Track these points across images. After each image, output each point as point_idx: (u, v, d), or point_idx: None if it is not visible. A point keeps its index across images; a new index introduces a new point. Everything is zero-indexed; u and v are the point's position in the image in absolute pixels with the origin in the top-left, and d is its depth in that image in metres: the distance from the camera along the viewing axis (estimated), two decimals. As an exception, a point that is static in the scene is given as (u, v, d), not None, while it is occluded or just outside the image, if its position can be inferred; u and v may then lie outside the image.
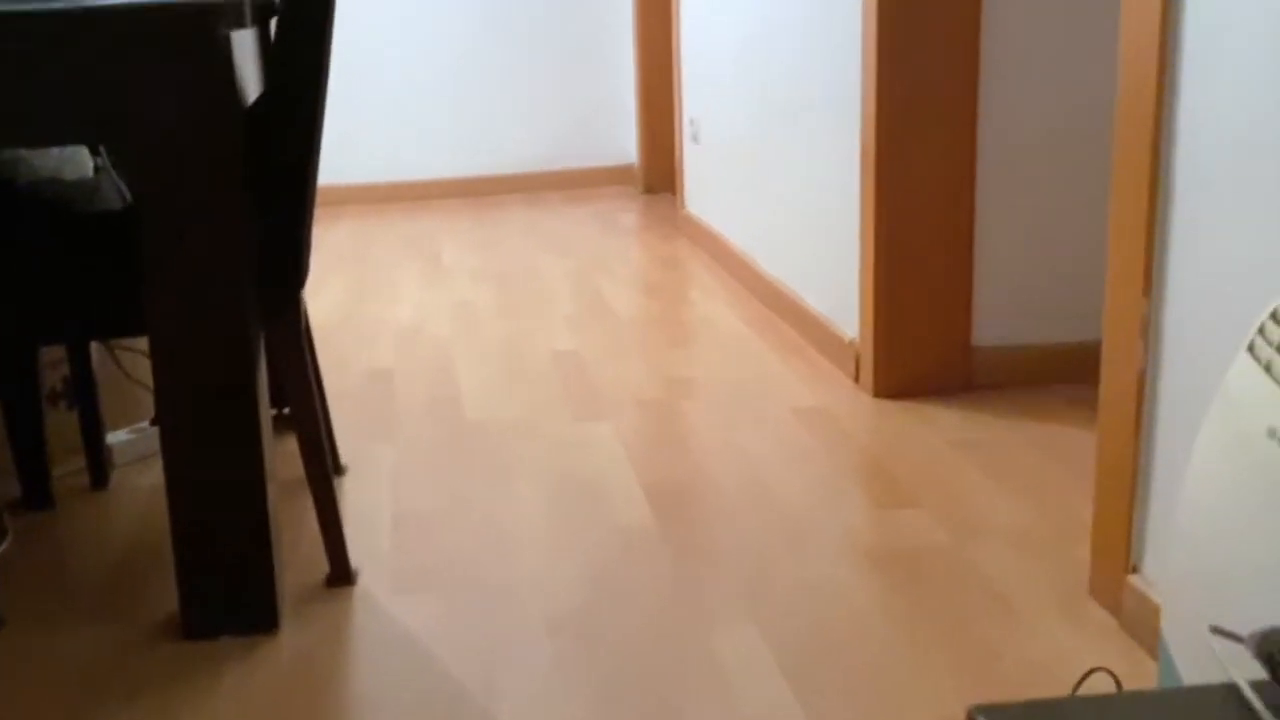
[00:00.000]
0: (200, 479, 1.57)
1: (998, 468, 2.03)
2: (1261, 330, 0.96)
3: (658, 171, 4.76)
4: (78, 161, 1.99)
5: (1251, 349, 0.96)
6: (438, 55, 4.82)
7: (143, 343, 2.25)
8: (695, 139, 3.82)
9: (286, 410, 2.31)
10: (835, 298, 2.60)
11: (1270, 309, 0.96)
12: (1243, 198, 1.26)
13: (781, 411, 2.33)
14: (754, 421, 2.29)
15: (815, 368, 2.59)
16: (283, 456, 2.17)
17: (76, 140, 1.77)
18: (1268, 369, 0.93)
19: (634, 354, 2.74)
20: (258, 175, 1.66)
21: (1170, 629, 1.05)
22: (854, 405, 2.35)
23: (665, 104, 4.63)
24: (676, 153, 4.07)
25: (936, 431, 2.19)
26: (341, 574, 1.74)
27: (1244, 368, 0.96)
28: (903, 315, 2.34)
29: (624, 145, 5.01)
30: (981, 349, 2.38)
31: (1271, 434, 0.88)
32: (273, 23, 1.90)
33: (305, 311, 2.07)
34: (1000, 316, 2.37)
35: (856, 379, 2.46)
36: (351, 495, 2.04)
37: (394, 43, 4.78)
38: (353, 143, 4.84)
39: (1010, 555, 1.73)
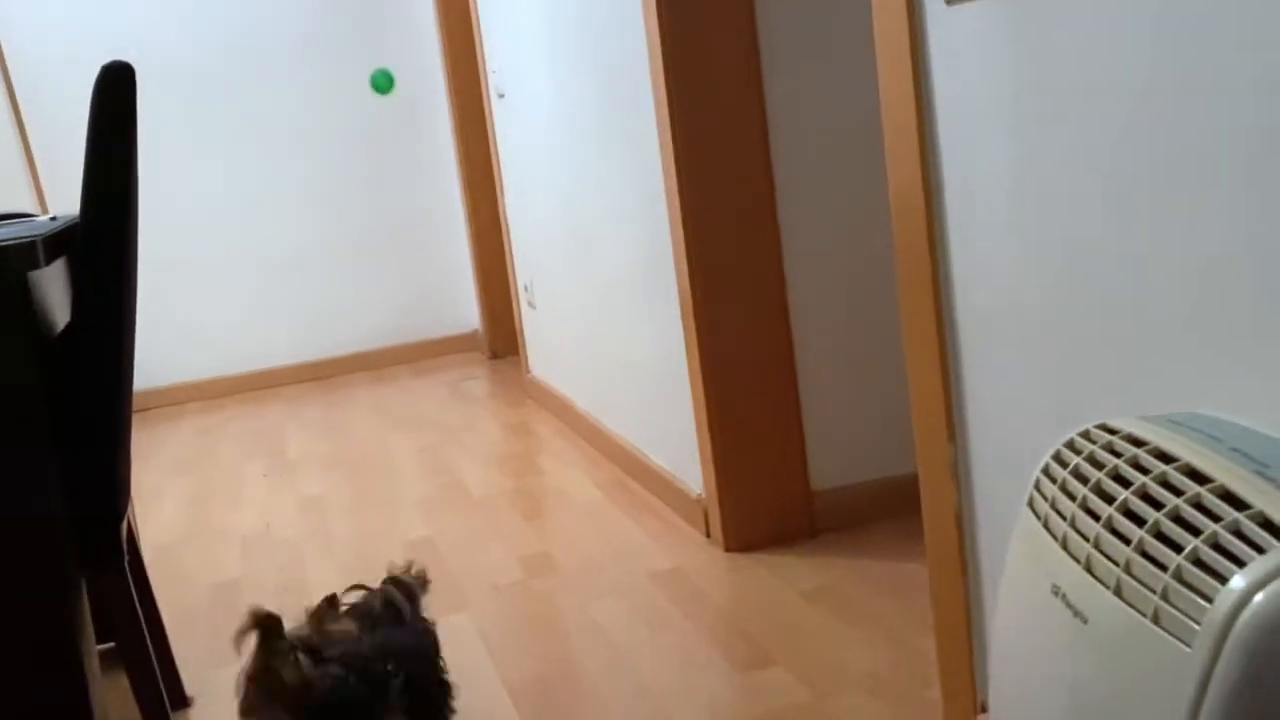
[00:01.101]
0: (23, 742, 1.48)
1: (848, 613, 2.06)
2: (1037, 485, 1.01)
3: (501, 336, 4.80)
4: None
5: (1031, 504, 1.01)
6: (269, 243, 4.81)
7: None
8: (531, 304, 3.88)
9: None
10: (679, 455, 2.64)
11: (1042, 463, 1.02)
12: (1020, 346, 1.34)
13: (638, 578, 2.33)
14: (612, 592, 2.28)
15: (668, 525, 2.60)
16: (118, 693, 2.06)
17: None
18: (1046, 525, 0.97)
19: (489, 534, 2.71)
20: (67, 408, 1.62)
21: (1004, 783, 1.07)
22: (707, 563, 2.36)
23: (500, 270, 4.70)
24: (516, 318, 4.12)
25: (787, 582, 2.22)
26: (187, 821, 1.64)
27: (1026, 523, 1.01)
28: (743, 468, 2.39)
29: (466, 312, 5.05)
30: (820, 493, 2.43)
31: (1055, 590, 0.93)
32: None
33: (134, 534, 2.00)
34: (833, 459, 2.44)
35: (707, 534, 2.49)
36: (197, 729, 1.94)
37: (221, 233, 4.76)
38: (190, 339, 4.75)
39: (868, 705, 1.74)
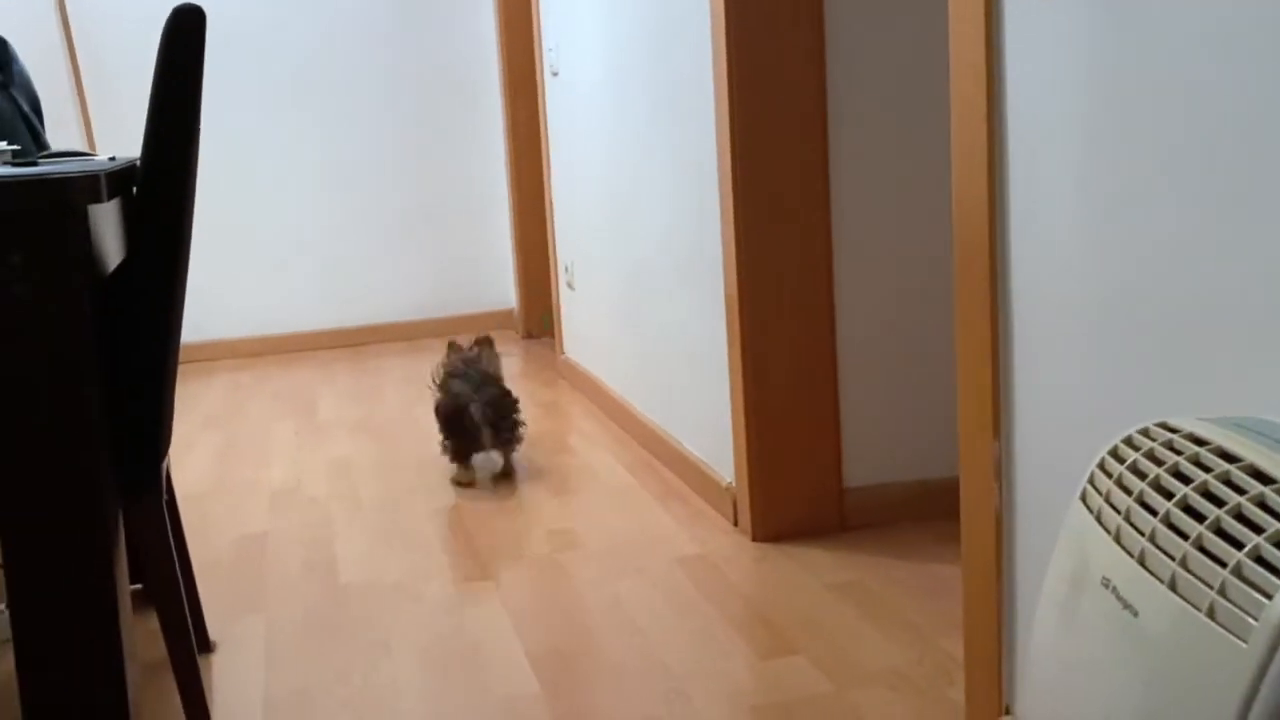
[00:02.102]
0: (55, 662, 1.49)
1: (874, 609, 2.05)
2: (1091, 480, 1.01)
3: (537, 317, 4.81)
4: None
5: (1084, 498, 1.01)
6: (313, 207, 4.84)
7: (-4, 520, 2.15)
8: (570, 285, 3.89)
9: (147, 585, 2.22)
10: (712, 443, 2.64)
11: (1098, 459, 1.01)
12: (1077, 346, 1.33)
13: (664, 562, 2.33)
14: (637, 574, 2.28)
15: (696, 512, 2.60)
16: (145, 634, 2.08)
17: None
18: (1099, 518, 0.97)
19: (515, 508, 2.72)
20: (117, 343, 1.64)
21: (1034, 777, 1.06)
22: (734, 551, 2.36)
23: (541, 250, 4.71)
24: (554, 298, 4.13)
25: (814, 575, 2.22)
26: (206, 761, 1.66)
27: (1078, 517, 1.00)
28: (776, 460, 2.38)
29: (503, 291, 5.06)
30: (853, 490, 2.43)
31: (1105, 583, 0.92)
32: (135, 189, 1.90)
33: (169, 479, 2.02)
34: (869, 457, 2.43)
35: (735, 523, 2.48)
36: (220, 674, 1.96)
37: (269, 195, 4.79)
38: (227, 297, 4.79)
39: (890, 700, 1.74)
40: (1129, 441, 1.00)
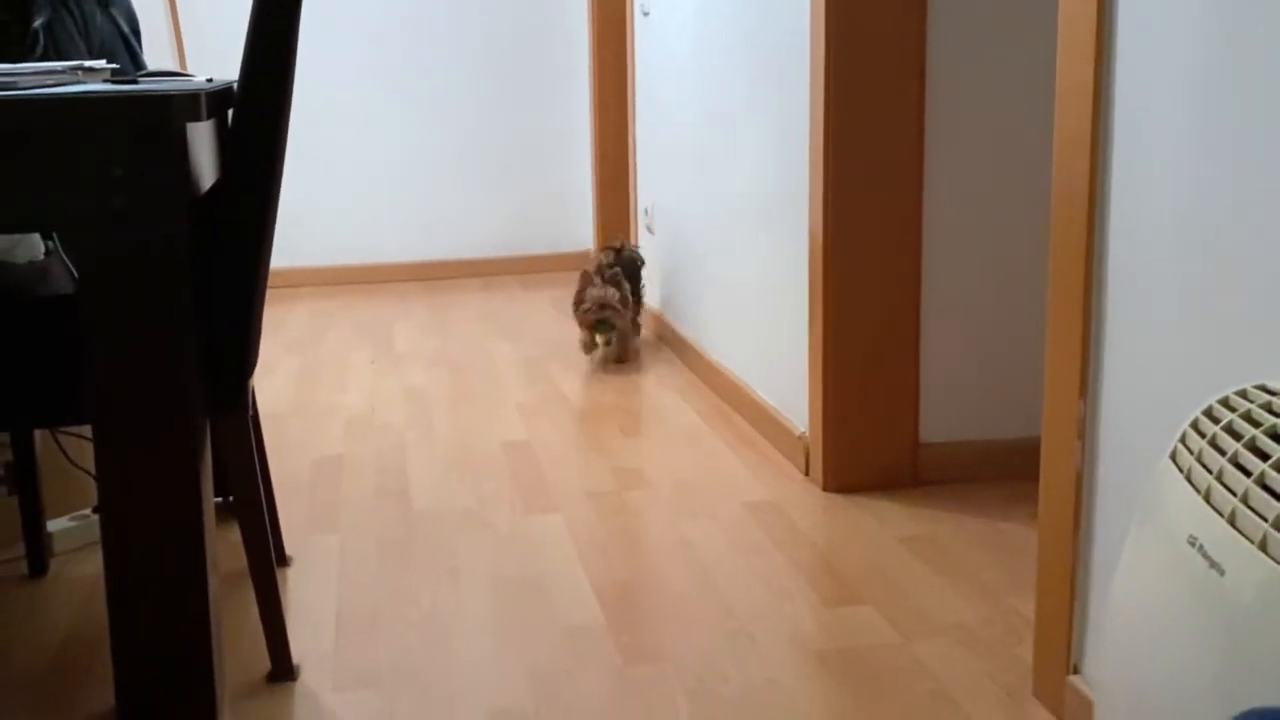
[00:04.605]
0: (141, 569, 1.55)
1: (944, 564, 2.04)
2: (1183, 439, 0.99)
3: (614, 260, 4.81)
4: (29, 244, 1.99)
5: (1174, 457, 0.99)
6: (397, 141, 4.88)
7: (88, 429, 2.23)
8: (650, 229, 3.88)
9: (230, 499, 2.29)
10: (786, 391, 2.63)
11: (1191, 418, 0.99)
12: (1174, 304, 1.30)
13: (732, 505, 2.34)
14: (704, 515, 2.29)
15: (766, 460, 2.60)
16: (225, 546, 2.14)
17: (28, 228, 1.78)
18: (1189, 477, 0.95)
19: (585, 445, 2.74)
20: (209, 261, 1.67)
21: (1104, 734, 1.06)
22: (804, 499, 2.36)
23: (621, 193, 4.70)
24: (632, 242, 4.12)
25: (884, 527, 2.21)
26: (283, 670, 1.71)
27: (1167, 475, 0.98)
28: (851, 411, 2.37)
29: (580, 232, 5.07)
30: (929, 445, 2.41)
31: (1192, 541, 0.91)
32: (230, 113, 1.93)
33: (254, 399, 2.07)
34: (947, 413, 2.41)
35: (806, 472, 2.48)
36: (295, 588, 2.01)
37: (355, 126, 4.83)
38: (308, 225, 4.86)
39: (957, 654, 1.74)
40: (1225, 402, 0.98)
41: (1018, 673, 1.67)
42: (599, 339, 3.48)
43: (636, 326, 3.59)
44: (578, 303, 3.42)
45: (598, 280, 3.39)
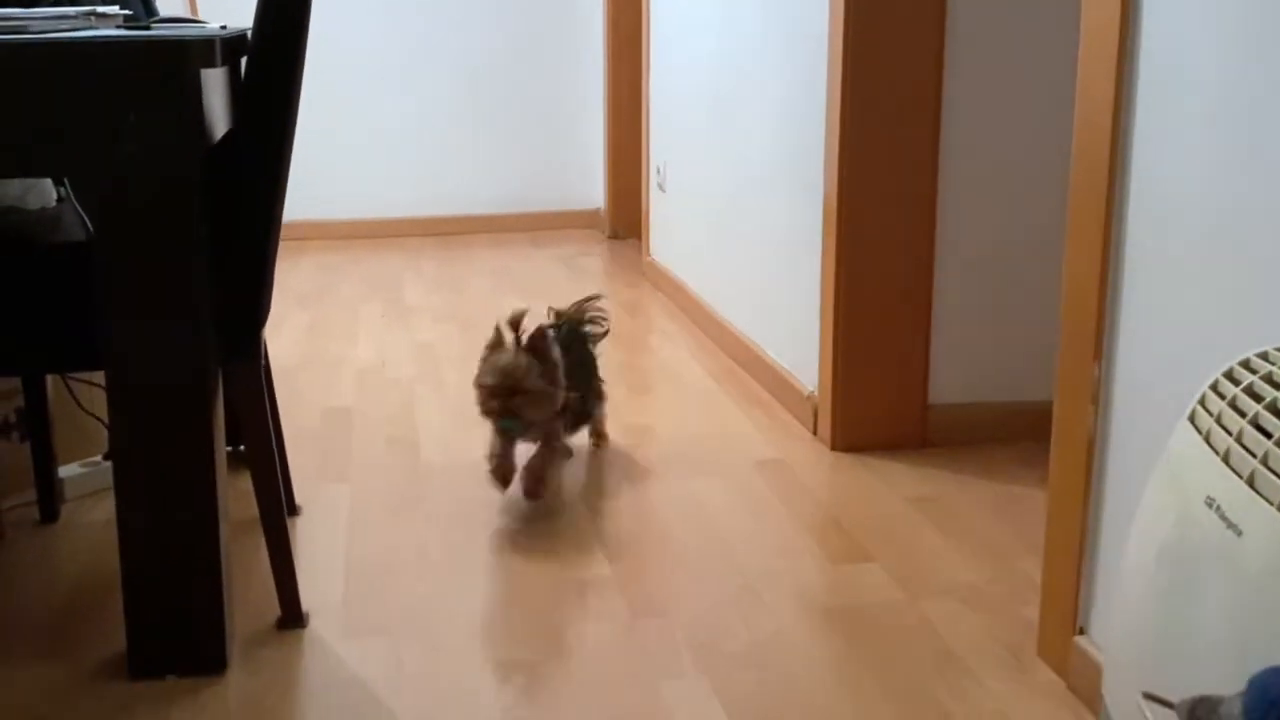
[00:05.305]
0: (153, 516, 1.55)
1: (951, 525, 2.05)
2: (1203, 401, 0.99)
3: (624, 218, 4.80)
4: (41, 190, 1.98)
5: (1192, 418, 0.99)
6: (409, 95, 4.85)
7: (100, 376, 2.23)
8: (661, 188, 3.86)
9: (241, 448, 2.29)
10: (796, 351, 2.62)
11: (1211, 380, 0.99)
12: (1192, 268, 1.29)
13: (739, 462, 2.35)
14: (712, 472, 2.30)
15: (775, 419, 2.60)
16: (236, 495, 2.15)
17: (40, 172, 1.77)
18: (1207, 438, 0.95)
19: (595, 400, 2.74)
20: (222, 211, 1.67)
21: (1111, 692, 1.06)
22: (812, 458, 2.37)
23: (633, 151, 4.67)
24: (642, 200, 4.11)
25: (892, 487, 2.21)
26: (292, 617, 1.72)
27: (1184, 436, 0.98)
28: (861, 371, 2.37)
29: (591, 190, 5.05)
30: (938, 407, 2.40)
31: (1209, 502, 0.91)
32: (243, 61, 1.91)
33: (265, 349, 2.07)
34: (957, 376, 2.41)
35: (815, 431, 2.48)
36: (305, 537, 2.03)
37: (366, 80, 4.80)
38: (319, 179, 4.84)
39: (962, 613, 1.74)
40: (1245, 364, 0.97)
41: (1022, 633, 1.68)
42: (498, 437, 2.10)
43: (571, 423, 2.23)
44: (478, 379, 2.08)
45: (510, 344, 2.05)
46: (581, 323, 2.34)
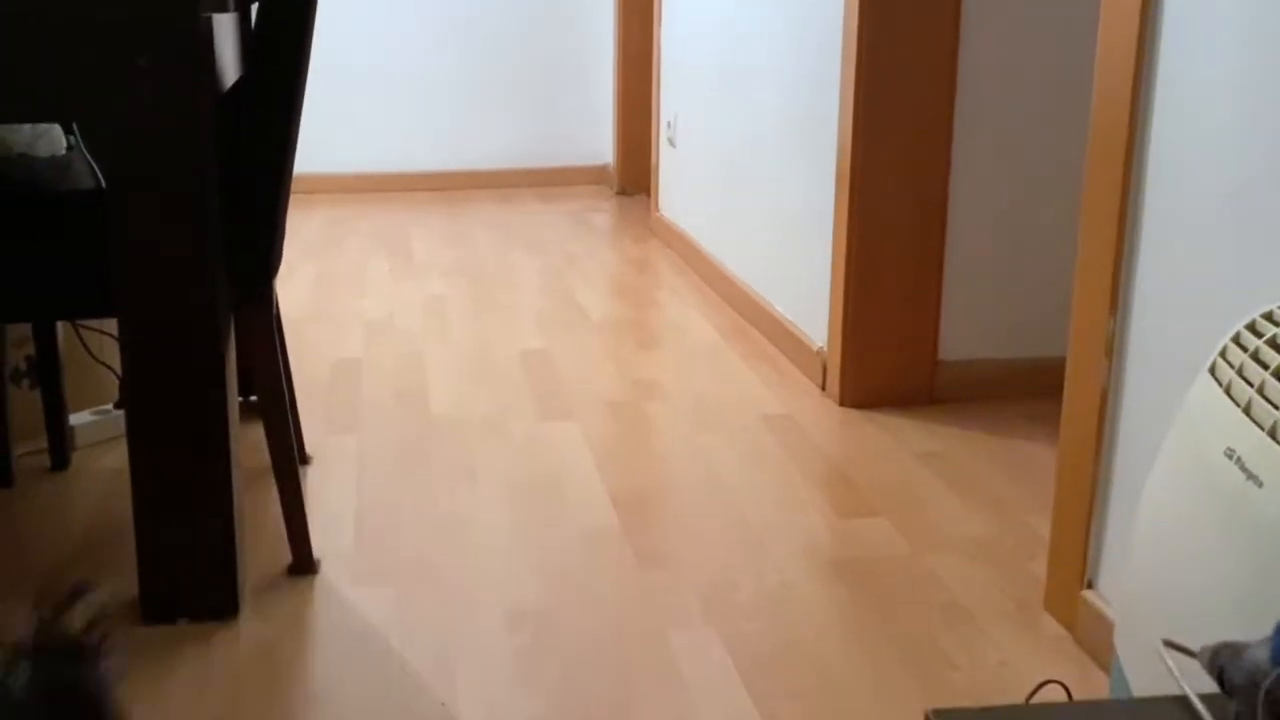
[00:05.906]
0: (165, 463, 1.56)
1: (959, 480, 2.05)
2: (1224, 353, 0.98)
3: (632, 173, 4.77)
4: (51, 138, 1.97)
5: (1213, 370, 0.98)
6: (417, 49, 4.81)
7: (110, 324, 2.23)
8: (671, 142, 3.84)
9: (253, 397, 2.30)
10: (805, 306, 2.62)
11: (1233, 332, 0.99)
12: (1210, 220, 1.28)
13: (747, 417, 2.35)
14: (720, 427, 2.30)
15: (783, 374, 2.60)
16: (248, 444, 2.16)
17: (50, 118, 1.76)
18: (1228, 390, 0.95)
19: (602, 355, 2.74)
20: (234, 159, 1.66)
21: (1123, 642, 1.07)
22: (820, 413, 2.37)
23: (643, 106, 4.64)
24: (652, 155, 4.08)
25: (900, 442, 2.22)
26: (303, 563, 1.73)
27: (1205, 388, 0.98)
28: (871, 326, 2.36)
29: (600, 146, 5.02)
30: (947, 363, 2.40)
31: (1229, 454, 0.90)
32: (254, 8, 1.90)
33: (276, 299, 2.06)
34: (967, 331, 2.40)
35: (823, 387, 2.48)
36: (315, 486, 2.03)
37: (375, 33, 4.76)
38: (326, 132, 4.81)
39: (968, 567, 1.75)
40: (1269, 316, 0.97)
41: (1029, 587, 1.68)
42: None
43: None
44: None
45: None
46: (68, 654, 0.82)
